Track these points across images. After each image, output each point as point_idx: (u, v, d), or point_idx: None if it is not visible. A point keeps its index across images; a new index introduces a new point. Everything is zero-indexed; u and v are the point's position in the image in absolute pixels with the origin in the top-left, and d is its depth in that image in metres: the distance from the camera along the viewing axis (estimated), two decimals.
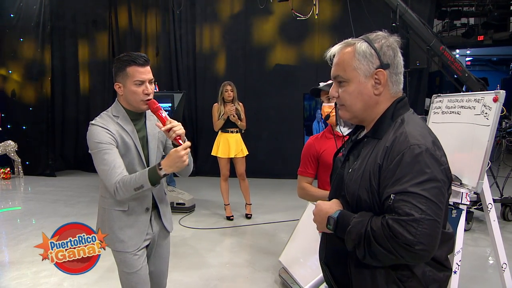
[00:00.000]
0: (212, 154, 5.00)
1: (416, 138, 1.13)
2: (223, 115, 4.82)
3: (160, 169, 1.72)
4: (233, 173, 5.10)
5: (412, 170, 1.09)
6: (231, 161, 4.99)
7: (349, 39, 1.28)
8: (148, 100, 1.87)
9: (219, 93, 4.91)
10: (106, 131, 1.82)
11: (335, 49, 1.30)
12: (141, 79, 1.85)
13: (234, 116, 4.78)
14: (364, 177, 1.19)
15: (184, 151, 1.72)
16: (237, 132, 4.93)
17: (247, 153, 5.02)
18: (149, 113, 1.99)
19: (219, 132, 4.95)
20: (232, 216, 5.01)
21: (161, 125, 1.78)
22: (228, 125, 4.88)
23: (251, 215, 5.08)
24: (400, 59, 1.25)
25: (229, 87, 4.85)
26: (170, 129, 1.75)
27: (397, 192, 1.08)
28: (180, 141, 1.77)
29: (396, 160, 1.12)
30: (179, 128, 1.76)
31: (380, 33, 1.26)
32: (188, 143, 1.76)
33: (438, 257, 1.18)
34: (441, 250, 1.19)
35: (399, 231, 1.05)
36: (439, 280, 1.19)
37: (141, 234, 1.94)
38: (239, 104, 4.92)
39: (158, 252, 2.09)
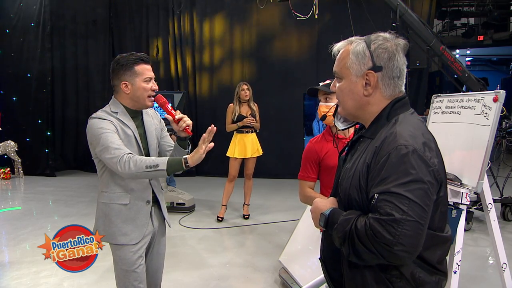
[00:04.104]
0: (227, 155, 4.96)
1: (404, 138, 1.12)
2: (239, 122, 4.81)
3: (186, 159, 1.76)
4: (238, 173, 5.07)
5: (397, 170, 1.08)
6: (242, 161, 4.97)
7: (354, 37, 1.29)
8: (154, 96, 1.96)
9: (234, 93, 4.91)
10: (107, 121, 1.89)
11: (339, 45, 1.32)
12: (149, 76, 1.95)
13: (252, 121, 4.81)
14: (355, 176, 1.20)
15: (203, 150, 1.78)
16: (252, 132, 4.93)
17: (262, 152, 5.01)
18: (145, 110, 2.06)
19: (234, 133, 4.95)
20: (222, 217, 4.97)
21: (170, 117, 1.85)
22: (243, 126, 4.86)
23: (248, 215, 5.08)
24: (398, 63, 1.22)
25: (245, 87, 4.86)
26: (180, 119, 1.83)
27: (380, 192, 1.08)
28: (189, 130, 1.87)
29: (382, 160, 1.12)
30: (187, 118, 1.87)
31: (382, 34, 1.25)
32: (211, 144, 1.82)
33: (429, 260, 1.17)
34: (433, 253, 1.18)
35: (379, 230, 1.05)
36: (430, 283, 1.18)
37: (143, 227, 1.97)
38: (254, 105, 4.93)
39: (156, 248, 2.13)
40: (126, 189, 1.93)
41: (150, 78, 1.94)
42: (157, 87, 1.96)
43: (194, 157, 1.77)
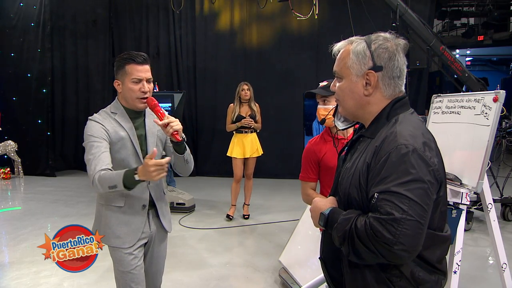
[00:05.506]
0: (227, 154, 4.99)
1: (405, 138, 1.12)
2: (237, 123, 4.84)
3: (136, 173, 1.68)
4: None
5: (397, 170, 1.08)
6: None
7: (354, 37, 1.29)
8: (145, 98, 1.89)
9: (235, 92, 4.93)
10: (100, 126, 1.87)
11: (339, 45, 1.32)
12: (138, 77, 1.88)
13: (250, 122, 4.83)
14: (355, 175, 1.20)
15: (153, 165, 1.62)
16: (251, 132, 4.94)
17: (262, 152, 5.03)
18: (149, 111, 2.01)
19: (234, 133, 4.97)
20: (232, 216, 5.02)
21: (158, 120, 1.79)
22: (243, 126, 4.88)
23: (248, 215, 5.09)
24: (398, 63, 1.22)
25: (245, 87, 4.88)
26: (168, 124, 1.76)
27: (380, 191, 1.08)
28: (178, 136, 1.78)
29: (382, 159, 1.12)
30: (176, 123, 1.78)
31: (382, 34, 1.26)
32: (165, 160, 1.67)
33: (429, 259, 1.18)
34: (433, 252, 1.18)
35: (379, 229, 1.05)
36: (430, 282, 1.18)
37: (137, 231, 1.95)
38: (255, 105, 4.95)
39: (155, 251, 2.10)
40: (121, 192, 1.88)
41: (140, 79, 1.87)
42: (147, 89, 1.89)
43: (142, 170, 1.66)
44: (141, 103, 1.91)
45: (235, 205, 5.06)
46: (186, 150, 1.92)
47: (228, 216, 5.02)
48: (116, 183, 1.69)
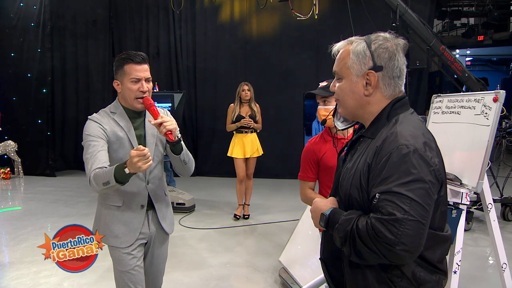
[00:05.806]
0: (228, 155, 5.00)
1: (405, 138, 1.12)
2: (237, 123, 4.86)
3: (125, 166, 1.64)
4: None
5: (398, 170, 1.08)
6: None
7: (353, 37, 1.29)
8: (143, 97, 1.89)
9: (236, 93, 4.95)
10: (98, 125, 1.86)
11: (339, 45, 1.32)
12: (137, 77, 1.87)
13: (250, 122, 4.85)
14: (356, 176, 1.20)
15: (136, 156, 1.59)
16: (251, 132, 4.94)
17: (262, 152, 5.04)
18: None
19: (234, 133, 4.98)
20: (240, 216, 5.06)
21: (152, 119, 1.77)
22: (243, 126, 4.89)
23: (248, 215, 5.10)
24: (398, 63, 1.23)
25: (246, 87, 4.89)
26: (161, 123, 1.75)
27: (382, 192, 1.08)
28: (171, 136, 1.77)
29: (384, 159, 1.12)
30: (169, 123, 1.76)
31: (382, 34, 1.26)
32: (146, 149, 1.63)
33: (429, 259, 1.18)
34: (434, 252, 1.19)
35: (381, 230, 1.05)
36: (431, 282, 1.18)
37: (135, 231, 1.94)
38: (255, 105, 4.96)
39: (156, 252, 2.09)
40: (120, 192, 1.89)
41: (138, 79, 1.86)
42: (145, 88, 1.88)
43: (129, 163, 1.62)
44: (138, 104, 1.90)
45: (241, 205, 5.09)
46: (182, 150, 1.90)
47: (235, 215, 5.06)
48: (109, 178, 1.67)
